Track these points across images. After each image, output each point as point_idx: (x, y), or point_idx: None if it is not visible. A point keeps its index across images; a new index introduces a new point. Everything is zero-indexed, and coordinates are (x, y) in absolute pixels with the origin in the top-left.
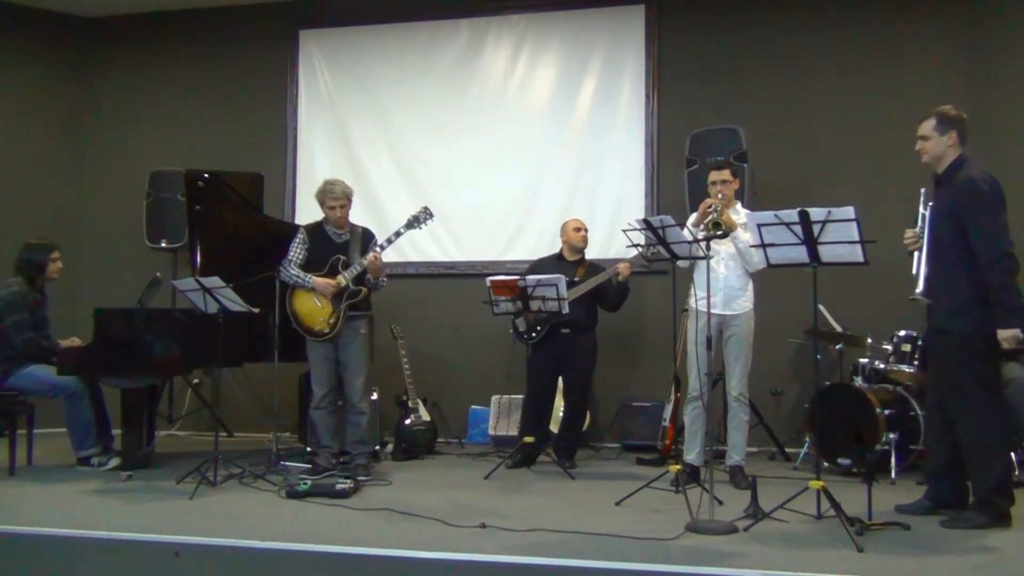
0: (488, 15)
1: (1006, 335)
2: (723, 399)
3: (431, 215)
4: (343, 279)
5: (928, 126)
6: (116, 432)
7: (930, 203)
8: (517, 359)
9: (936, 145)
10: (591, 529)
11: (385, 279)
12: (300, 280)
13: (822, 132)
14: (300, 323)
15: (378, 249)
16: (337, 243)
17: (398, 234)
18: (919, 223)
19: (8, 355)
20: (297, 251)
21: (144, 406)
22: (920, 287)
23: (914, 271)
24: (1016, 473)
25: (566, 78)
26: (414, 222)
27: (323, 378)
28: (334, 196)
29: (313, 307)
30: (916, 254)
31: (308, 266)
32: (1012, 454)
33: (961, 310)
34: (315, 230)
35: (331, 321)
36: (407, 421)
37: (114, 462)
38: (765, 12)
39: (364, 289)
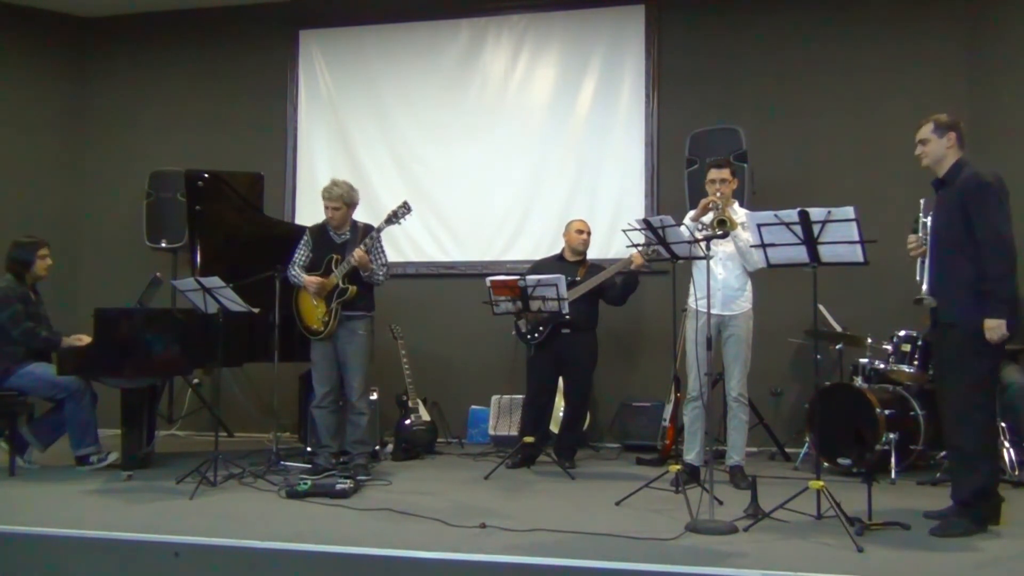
0: (488, 15)
1: (992, 325)
2: (723, 399)
3: (409, 209)
4: (334, 277)
5: (927, 130)
6: (110, 433)
7: (930, 211)
8: (517, 359)
9: (936, 148)
10: (591, 529)
11: (381, 274)
12: (297, 280)
13: (822, 132)
14: (301, 322)
15: (362, 247)
16: (337, 243)
17: (380, 229)
18: (920, 232)
19: (7, 351)
20: (301, 253)
21: (144, 406)
22: (926, 287)
23: (918, 277)
24: (1016, 473)
25: (566, 78)
26: (392, 218)
27: (323, 376)
28: (328, 197)
29: (311, 306)
30: (920, 260)
31: (313, 266)
32: (1012, 454)
33: (972, 302)
34: (318, 231)
35: (324, 319)
36: (407, 421)
37: (113, 456)
38: (765, 12)
39: (352, 288)
